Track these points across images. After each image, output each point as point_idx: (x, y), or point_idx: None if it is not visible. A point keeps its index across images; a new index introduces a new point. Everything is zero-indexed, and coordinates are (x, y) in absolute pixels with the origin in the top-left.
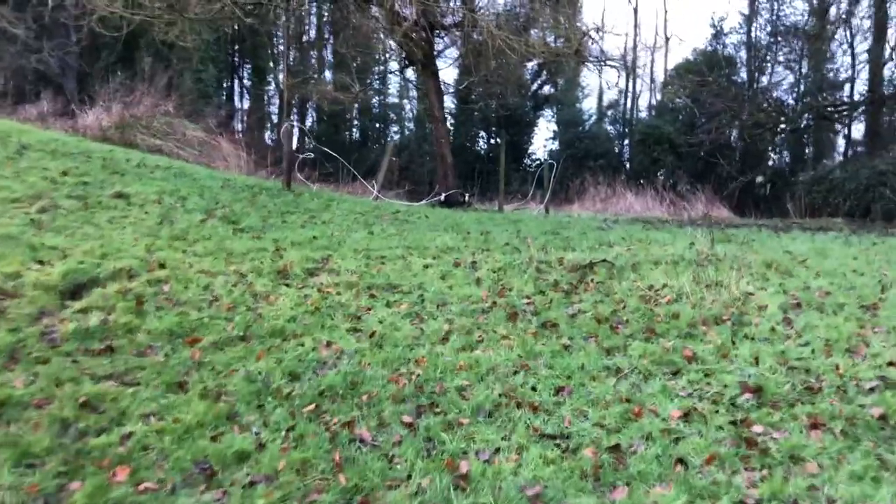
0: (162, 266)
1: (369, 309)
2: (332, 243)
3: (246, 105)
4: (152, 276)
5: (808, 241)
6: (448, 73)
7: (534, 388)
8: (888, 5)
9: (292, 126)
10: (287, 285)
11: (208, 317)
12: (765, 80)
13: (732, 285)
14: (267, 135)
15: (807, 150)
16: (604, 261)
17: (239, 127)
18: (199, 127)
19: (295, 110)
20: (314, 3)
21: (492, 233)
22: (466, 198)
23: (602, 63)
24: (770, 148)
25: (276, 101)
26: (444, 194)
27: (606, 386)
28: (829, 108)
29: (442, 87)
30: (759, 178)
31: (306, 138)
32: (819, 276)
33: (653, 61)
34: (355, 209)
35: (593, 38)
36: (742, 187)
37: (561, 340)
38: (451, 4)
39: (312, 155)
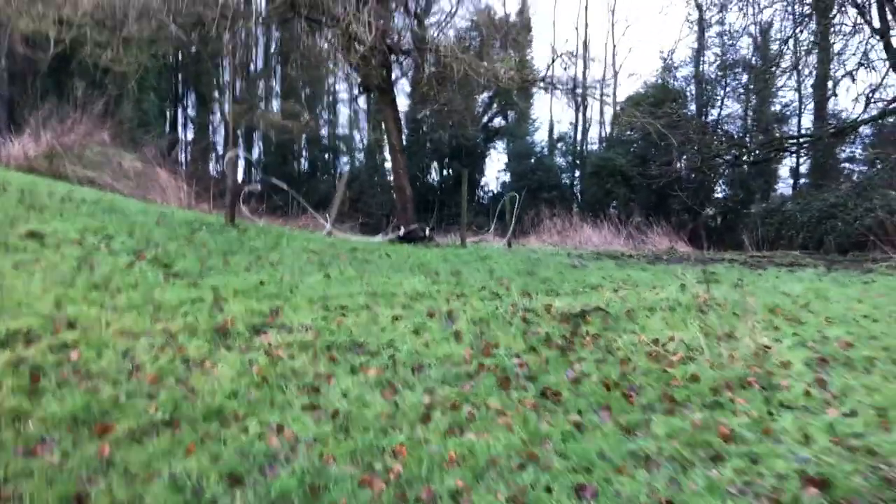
0: (71, 326)
1: (330, 377)
2: (283, 290)
3: (190, 135)
4: (57, 341)
5: (795, 281)
6: (399, 102)
7: (549, 489)
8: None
9: (237, 156)
10: (228, 348)
11: (126, 394)
12: (714, 112)
13: (746, 337)
14: (211, 165)
15: (753, 183)
16: (597, 309)
17: (182, 157)
18: (137, 157)
19: (241, 141)
20: (261, 28)
21: (463, 273)
22: (427, 232)
23: (569, 91)
24: (718, 180)
25: (222, 130)
26: (402, 229)
27: (637, 482)
28: (789, 141)
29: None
30: (709, 211)
31: (253, 169)
32: (831, 324)
33: (602, 94)
34: (308, 247)
35: (564, 63)
36: (693, 219)
37: (569, 416)
38: (409, 28)
39: (259, 187)
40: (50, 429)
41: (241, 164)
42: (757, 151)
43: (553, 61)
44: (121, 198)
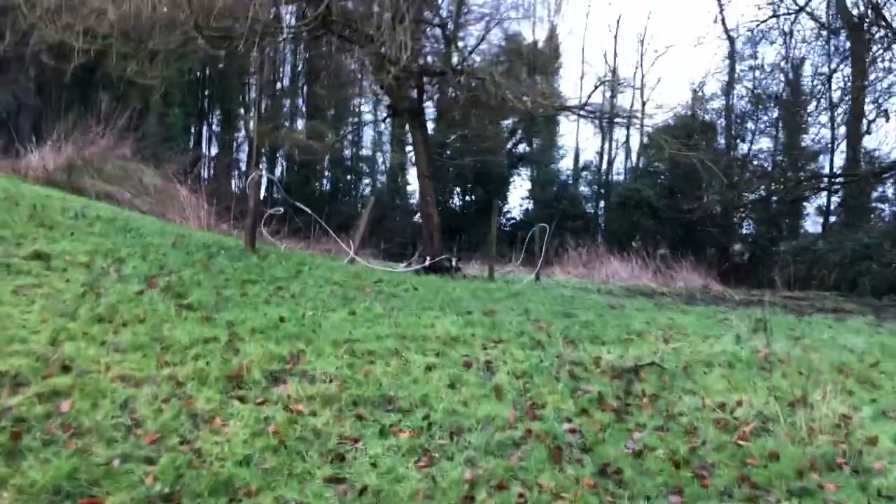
0: (66, 369)
1: (357, 441)
2: (305, 330)
3: (214, 151)
4: (48, 387)
5: (850, 333)
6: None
7: None
8: (864, 82)
9: (260, 176)
10: (241, 399)
11: (121, 457)
12: (743, 146)
13: (822, 405)
14: (234, 183)
15: (780, 220)
16: (651, 364)
17: (205, 173)
18: (158, 173)
19: (265, 159)
20: (290, 47)
21: (497, 313)
22: (454, 263)
23: (607, 118)
24: (748, 216)
25: (246, 147)
26: (428, 259)
27: None
28: (826, 179)
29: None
30: (737, 247)
31: (275, 189)
32: None
33: (642, 122)
34: (331, 277)
35: (608, 89)
36: (720, 255)
37: (636, 503)
38: (441, 51)
39: (281, 210)
40: (27, 502)
41: (264, 183)
42: (790, 187)
43: (595, 88)
44: (138, 216)
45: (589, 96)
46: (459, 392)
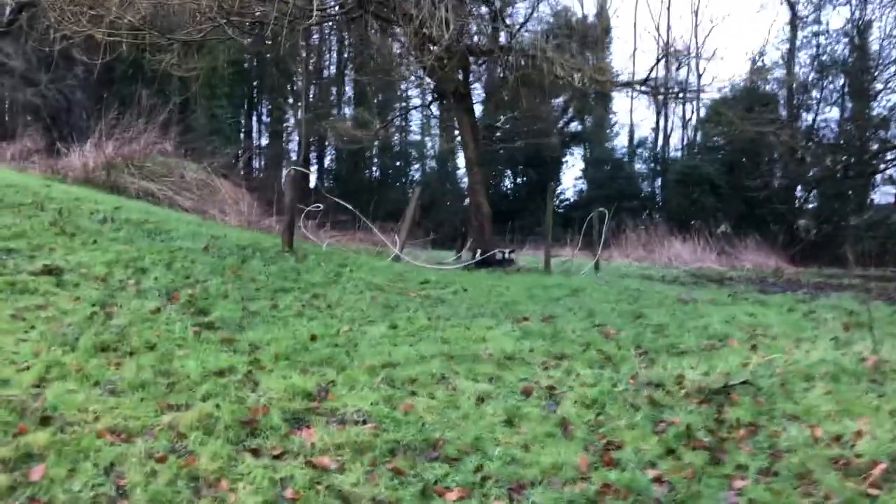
0: (45, 421)
1: None
2: (338, 352)
3: (265, 141)
4: (19, 448)
5: None
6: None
7: None
8: None
9: (296, 171)
10: (255, 452)
11: None
12: (808, 117)
13: None
14: (283, 174)
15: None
16: (743, 383)
17: (256, 164)
18: (201, 168)
19: (314, 148)
20: (335, 34)
21: (557, 318)
22: (506, 255)
23: (673, 93)
24: (813, 189)
25: (296, 137)
26: (479, 252)
27: None
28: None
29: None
30: (803, 223)
31: (324, 178)
32: None
33: (685, 97)
34: (373, 280)
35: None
36: (785, 232)
37: None
38: (488, 28)
39: (321, 207)
40: None
41: (314, 173)
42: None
43: (658, 62)
44: (173, 216)
45: (651, 69)
46: (518, 430)
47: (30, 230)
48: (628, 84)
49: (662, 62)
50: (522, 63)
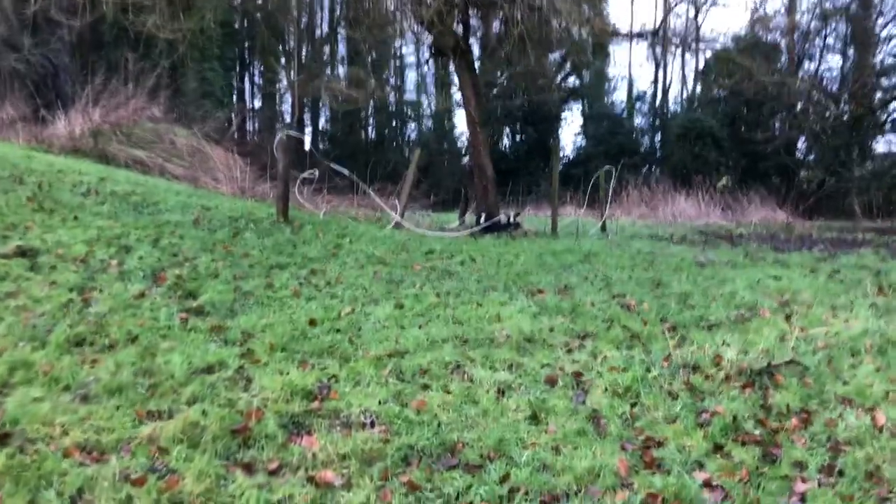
0: (2, 439)
1: None
2: (340, 339)
3: (258, 104)
4: None
5: None
6: None
7: None
8: None
9: (288, 136)
10: (247, 468)
11: None
12: (810, 67)
13: None
14: (278, 137)
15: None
16: (789, 363)
17: (250, 128)
18: (192, 133)
19: (307, 109)
20: None
21: (574, 289)
22: (512, 218)
23: (680, 44)
24: (817, 138)
25: (289, 99)
26: (484, 216)
27: None
28: None
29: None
30: (804, 174)
31: (320, 141)
32: None
33: (684, 51)
34: (374, 251)
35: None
36: (788, 184)
37: None
38: None
39: (316, 174)
40: None
41: (309, 135)
42: (864, 106)
43: (668, 12)
44: (162, 186)
45: (664, 19)
46: (545, 427)
47: (4, 207)
48: (639, 35)
49: (664, 12)
50: (520, 17)
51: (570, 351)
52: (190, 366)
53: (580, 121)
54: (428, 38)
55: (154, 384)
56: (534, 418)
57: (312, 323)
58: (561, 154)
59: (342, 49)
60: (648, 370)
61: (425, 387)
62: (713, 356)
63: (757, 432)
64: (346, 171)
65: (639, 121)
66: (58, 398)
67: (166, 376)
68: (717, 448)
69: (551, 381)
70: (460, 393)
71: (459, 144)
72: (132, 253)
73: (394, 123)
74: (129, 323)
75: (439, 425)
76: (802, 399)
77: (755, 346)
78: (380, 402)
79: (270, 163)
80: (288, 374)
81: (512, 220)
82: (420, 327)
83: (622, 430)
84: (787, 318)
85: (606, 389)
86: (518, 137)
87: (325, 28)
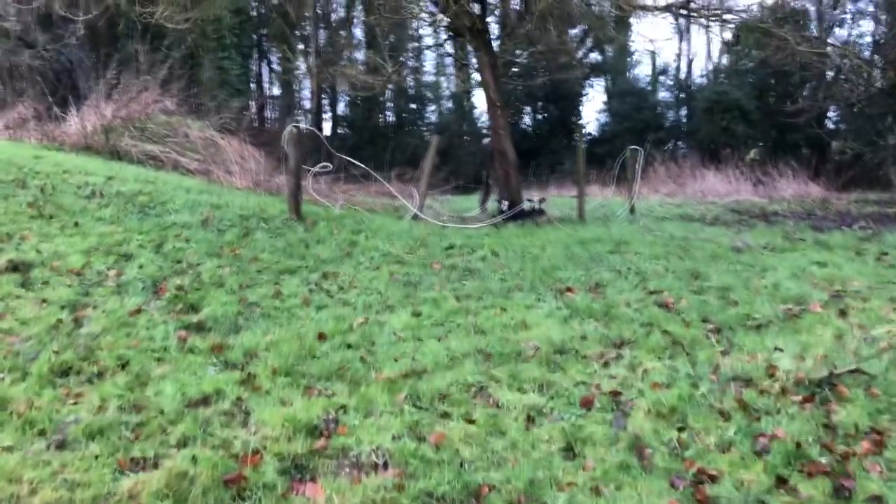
0: None
1: None
2: (351, 357)
3: (276, 92)
4: None
5: None
6: None
7: None
8: None
9: (297, 129)
10: None
11: None
12: (842, 32)
13: None
14: (287, 130)
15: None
16: (853, 371)
17: (269, 115)
18: (206, 125)
19: (326, 96)
20: None
21: (606, 287)
22: (536, 204)
23: (710, 15)
24: (852, 108)
25: (308, 85)
26: (506, 204)
27: None
28: None
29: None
30: (835, 145)
31: (323, 138)
32: None
33: (708, 21)
34: (391, 249)
35: None
36: (819, 156)
37: None
38: None
39: (330, 166)
40: None
41: (328, 125)
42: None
43: None
44: (173, 183)
45: None
46: (582, 462)
47: (2, 215)
48: (668, 8)
49: None
50: None
51: (606, 364)
52: (183, 397)
53: (603, 97)
54: (444, 20)
55: (141, 422)
56: (569, 450)
57: (321, 337)
58: (584, 132)
59: (359, 33)
60: (695, 385)
61: (445, 415)
62: (766, 366)
63: (824, 460)
64: (360, 164)
65: (663, 95)
66: (31, 445)
67: (156, 412)
68: (781, 482)
69: (587, 403)
70: (485, 422)
71: (480, 125)
72: (132, 261)
73: (413, 106)
74: (122, 345)
75: (461, 464)
76: (871, 415)
77: (811, 350)
78: (393, 438)
79: (284, 155)
80: (291, 404)
81: (536, 206)
82: (439, 339)
83: (670, 461)
84: (842, 313)
85: (649, 411)
86: (539, 116)
87: (342, 13)
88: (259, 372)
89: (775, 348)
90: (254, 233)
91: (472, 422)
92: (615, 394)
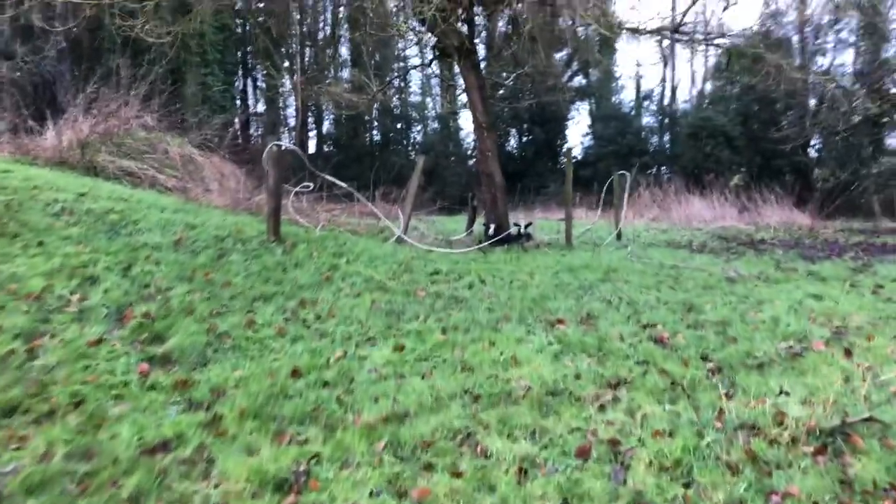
0: None
1: None
2: (326, 398)
3: (261, 108)
4: None
5: None
6: None
7: None
8: None
9: (278, 146)
10: None
11: None
12: (822, 62)
13: None
14: (284, 141)
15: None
16: (866, 420)
17: (253, 132)
18: (186, 141)
19: (311, 113)
20: None
21: (597, 318)
22: (524, 228)
23: (700, 40)
24: (835, 135)
25: (293, 102)
26: (493, 228)
27: None
28: None
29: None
30: (818, 172)
31: (304, 156)
32: None
33: (693, 48)
34: (373, 274)
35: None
36: (802, 184)
37: None
38: None
39: (311, 186)
40: None
41: (313, 142)
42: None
43: (693, 3)
44: (147, 200)
45: (685, 14)
46: None
47: None
48: (658, 31)
49: (676, 7)
50: (535, 12)
51: (602, 407)
52: (140, 442)
53: (588, 121)
54: (432, 39)
55: (91, 472)
56: None
57: (295, 374)
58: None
59: (345, 52)
60: (700, 434)
61: (429, 467)
62: (774, 412)
63: None
64: (343, 184)
65: (647, 120)
66: None
67: (108, 460)
68: None
69: (583, 453)
70: (472, 475)
71: (465, 146)
72: (97, 285)
73: (399, 126)
74: (78, 379)
75: None
76: (889, 470)
77: (819, 394)
78: (371, 494)
79: (266, 174)
80: (259, 452)
81: (523, 230)
82: (423, 377)
83: None
84: (847, 352)
85: (651, 463)
86: (525, 138)
87: (328, 31)
88: (226, 413)
89: (781, 391)
90: (229, 255)
91: (458, 475)
92: (614, 442)
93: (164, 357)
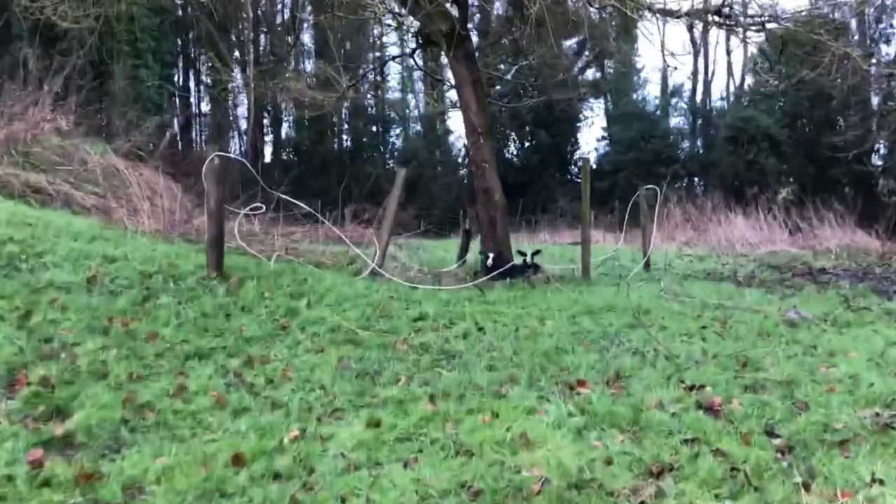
0: None
1: None
2: (277, 495)
3: (206, 108)
4: None
5: None
6: None
7: None
8: None
9: (221, 158)
10: None
11: None
12: (888, 51)
13: None
14: (233, 147)
15: None
16: None
17: (197, 137)
18: (107, 149)
19: (267, 115)
20: None
21: (629, 379)
22: (529, 257)
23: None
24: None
25: (244, 100)
26: (492, 259)
27: None
28: None
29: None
30: (883, 183)
31: (283, 153)
32: None
33: (738, 34)
34: (341, 320)
35: None
36: (863, 195)
37: None
38: None
39: (263, 208)
40: None
41: (269, 149)
42: None
43: None
44: (57, 226)
45: None
46: None
47: None
48: (698, 13)
49: None
50: None
51: None
52: None
53: (603, 122)
54: (415, 24)
55: None
56: None
57: (238, 462)
58: (580, 163)
59: (308, 39)
60: None
61: None
62: None
63: None
64: (303, 205)
65: (675, 121)
66: None
67: None
68: None
69: None
70: None
71: (454, 152)
72: None
73: (374, 129)
74: None
75: None
76: None
77: None
78: None
79: (228, 179)
80: None
81: (530, 261)
82: (405, 465)
83: None
84: None
85: None
86: (528, 143)
87: (287, 14)
88: None
89: (873, 479)
90: (157, 297)
91: None
92: None
93: (65, 439)
